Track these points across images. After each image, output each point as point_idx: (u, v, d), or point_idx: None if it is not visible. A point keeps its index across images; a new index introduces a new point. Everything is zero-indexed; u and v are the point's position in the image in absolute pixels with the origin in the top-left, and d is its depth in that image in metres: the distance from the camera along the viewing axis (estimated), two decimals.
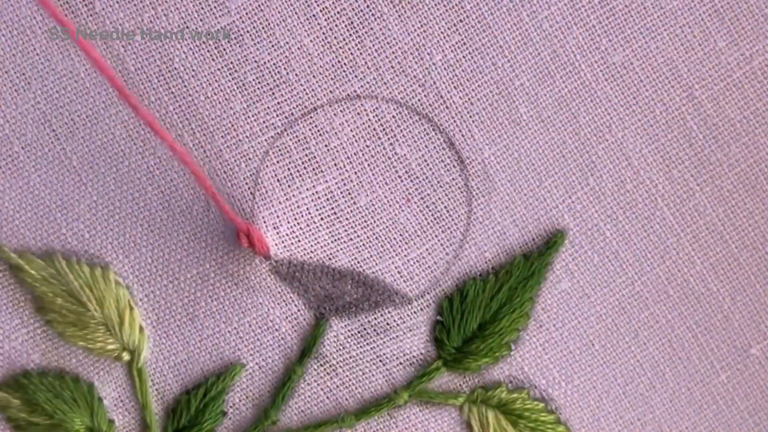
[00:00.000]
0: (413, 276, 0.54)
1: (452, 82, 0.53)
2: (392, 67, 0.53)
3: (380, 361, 0.54)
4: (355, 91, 0.53)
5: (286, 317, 0.54)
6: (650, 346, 0.54)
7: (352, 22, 0.52)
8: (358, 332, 0.54)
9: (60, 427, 0.53)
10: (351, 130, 0.53)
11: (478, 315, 0.54)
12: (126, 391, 0.54)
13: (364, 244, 0.53)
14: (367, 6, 0.52)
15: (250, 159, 0.53)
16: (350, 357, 0.54)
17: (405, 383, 0.54)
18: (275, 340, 0.54)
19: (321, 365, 0.54)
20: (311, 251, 0.53)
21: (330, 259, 0.53)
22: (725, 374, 0.55)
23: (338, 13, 0.52)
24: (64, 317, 0.52)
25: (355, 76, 0.53)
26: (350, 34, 0.52)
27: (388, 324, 0.54)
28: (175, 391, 0.54)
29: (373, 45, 0.53)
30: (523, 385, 0.54)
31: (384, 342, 0.54)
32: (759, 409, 0.55)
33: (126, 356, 0.53)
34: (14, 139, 0.52)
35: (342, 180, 0.53)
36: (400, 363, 0.54)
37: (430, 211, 0.53)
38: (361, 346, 0.54)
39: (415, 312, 0.54)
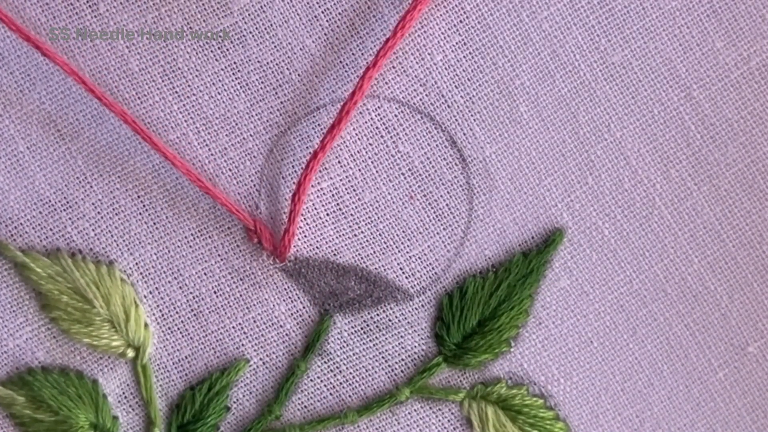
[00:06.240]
0: (415, 272, 0.54)
1: (453, 82, 0.53)
2: (394, 67, 0.53)
3: (382, 357, 0.54)
4: None
5: (291, 314, 0.54)
6: (648, 343, 0.54)
7: (353, 23, 0.53)
8: (361, 329, 0.54)
9: (64, 424, 0.53)
10: (354, 129, 0.53)
11: (478, 312, 0.54)
12: (130, 387, 0.53)
13: (367, 241, 0.54)
14: (368, 7, 0.52)
15: (254, 157, 0.53)
16: (353, 353, 0.54)
17: (406, 379, 0.54)
18: (279, 336, 0.54)
19: (324, 362, 0.54)
20: (317, 247, 0.53)
21: (334, 255, 0.53)
22: (723, 372, 0.55)
23: (340, 14, 0.52)
24: (70, 315, 0.52)
25: (357, 76, 0.53)
26: (351, 35, 0.53)
27: (390, 320, 0.54)
28: (180, 386, 0.53)
29: (375, 46, 0.53)
30: (522, 382, 0.54)
31: (386, 338, 0.54)
32: (756, 407, 0.55)
33: (130, 353, 0.53)
34: (19, 139, 0.52)
35: (346, 177, 0.53)
36: (402, 359, 0.54)
37: (432, 208, 0.53)
38: (364, 343, 0.54)
39: (416, 308, 0.54)
